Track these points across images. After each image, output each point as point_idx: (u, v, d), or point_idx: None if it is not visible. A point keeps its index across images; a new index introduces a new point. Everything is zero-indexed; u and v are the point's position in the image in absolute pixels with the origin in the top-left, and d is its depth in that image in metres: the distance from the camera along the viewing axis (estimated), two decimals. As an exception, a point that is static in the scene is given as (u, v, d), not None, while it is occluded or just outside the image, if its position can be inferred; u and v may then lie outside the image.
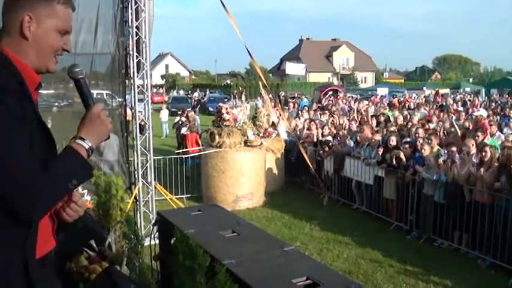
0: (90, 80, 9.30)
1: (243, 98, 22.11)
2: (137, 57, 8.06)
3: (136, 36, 7.97)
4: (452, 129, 10.65)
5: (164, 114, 23.99)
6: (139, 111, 8.57)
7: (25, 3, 1.74)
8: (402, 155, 8.87)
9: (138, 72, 8.14)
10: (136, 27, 7.97)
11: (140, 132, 8.63)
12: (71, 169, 1.73)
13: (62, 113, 9.51)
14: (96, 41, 8.41)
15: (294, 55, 71.75)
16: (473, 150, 7.99)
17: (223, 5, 8.07)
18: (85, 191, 6.02)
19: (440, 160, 8.15)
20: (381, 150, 9.42)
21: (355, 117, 14.52)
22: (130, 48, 8.06)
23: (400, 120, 12.86)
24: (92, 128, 1.84)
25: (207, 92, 47.53)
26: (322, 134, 11.97)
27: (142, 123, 8.74)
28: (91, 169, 1.79)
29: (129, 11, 7.92)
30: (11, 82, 1.66)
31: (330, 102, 24.82)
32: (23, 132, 1.63)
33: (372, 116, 14.29)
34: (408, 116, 14.11)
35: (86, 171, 1.79)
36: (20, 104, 1.64)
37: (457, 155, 8.07)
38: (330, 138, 11.61)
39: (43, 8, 1.77)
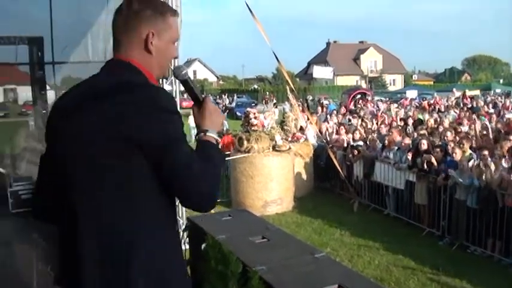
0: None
1: (273, 102, 22.08)
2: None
3: (164, 43, 8.05)
4: (484, 132, 10.46)
5: (192, 119, 24.20)
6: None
7: (148, 20, 1.86)
8: (433, 159, 8.74)
9: (166, 79, 8.22)
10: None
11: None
12: (219, 158, 1.90)
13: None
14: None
15: (321, 58, 71.46)
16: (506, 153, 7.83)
17: (250, 11, 8.09)
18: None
19: (472, 163, 8.00)
20: (410, 155, 9.30)
21: (385, 121, 14.38)
22: (159, 55, 8.15)
23: (431, 123, 12.68)
24: (212, 119, 1.99)
25: (235, 97, 47.69)
26: (354, 138, 11.89)
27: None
28: (224, 155, 1.91)
29: (158, 19, 8.02)
30: (175, 101, 1.86)
31: (359, 105, 24.60)
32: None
33: (401, 119, 14.13)
34: (438, 119, 13.91)
35: (225, 158, 1.92)
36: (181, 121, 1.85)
37: (489, 158, 7.91)
38: (360, 142, 11.52)
39: (161, 23, 1.89)
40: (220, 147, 2.00)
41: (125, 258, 1.72)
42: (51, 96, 8.98)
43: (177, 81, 8.41)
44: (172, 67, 2.06)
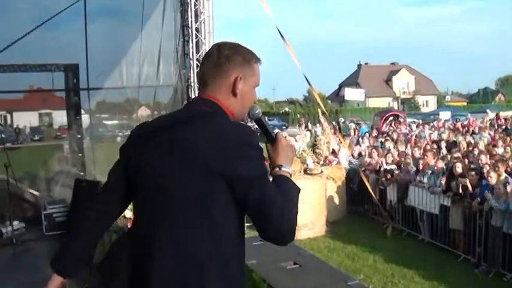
0: (154, 110, 9.61)
1: (303, 125, 22.00)
2: (198, 88, 8.24)
3: (197, 68, 8.16)
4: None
5: None
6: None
7: (237, 65, 2.01)
8: (468, 183, 8.52)
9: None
10: (197, 59, 8.17)
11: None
12: (294, 193, 1.99)
13: (126, 142, 9.83)
14: (159, 73, 8.70)
15: (352, 80, 71.24)
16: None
17: (281, 34, 8.15)
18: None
19: (509, 188, 7.77)
20: (445, 178, 9.10)
21: (418, 143, 14.15)
22: (192, 80, 8.25)
23: (463, 146, 12.43)
24: (285, 154, 2.09)
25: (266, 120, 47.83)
26: (387, 162, 11.73)
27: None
28: (299, 189, 2.03)
29: (190, 44, 8.15)
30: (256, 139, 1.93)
31: (391, 128, 24.31)
32: None
33: (433, 142, 13.91)
34: (472, 141, 13.61)
35: (299, 191, 2.02)
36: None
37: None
38: (393, 166, 11.36)
39: (247, 69, 2.04)
40: None
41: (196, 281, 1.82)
42: (85, 120, 9.18)
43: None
44: None
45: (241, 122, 2.09)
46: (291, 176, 2.04)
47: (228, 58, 1.99)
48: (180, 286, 1.82)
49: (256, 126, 2.20)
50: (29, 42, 7.45)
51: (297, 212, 1.92)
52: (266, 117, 2.23)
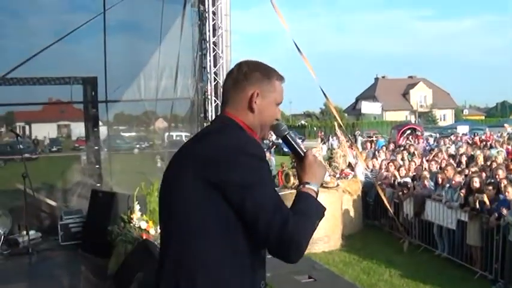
0: (171, 122, 9.69)
1: (320, 139, 21.97)
2: (215, 101, 8.28)
3: (214, 81, 8.22)
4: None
5: None
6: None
7: (255, 81, 2.05)
8: (486, 198, 8.42)
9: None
10: (215, 73, 8.23)
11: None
12: (314, 210, 1.95)
13: (143, 154, 9.90)
14: (177, 86, 8.77)
15: (369, 94, 71.04)
16: None
17: (298, 48, 8.18)
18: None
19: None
20: (463, 193, 9.01)
21: (436, 157, 14.03)
22: (209, 93, 8.31)
23: (481, 160, 12.29)
24: (313, 172, 2.05)
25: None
26: (401, 175, 11.65)
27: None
28: (325, 208, 1.99)
29: (208, 58, 8.21)
30: (262, 150, 1.97)
31: (408, 141, 24.15)
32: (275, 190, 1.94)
33: (450, 156, 13.80)
34: (489, 155, 13.46)
35: (322, 210, 1.99)
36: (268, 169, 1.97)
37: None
38: (408, 179, 11.27)
39: (266, 85, 2.06)
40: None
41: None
42: (103, 132, 9.27)
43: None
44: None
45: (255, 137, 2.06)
46: (317, 195, 2.00)
47: (246, 75, 2.05)
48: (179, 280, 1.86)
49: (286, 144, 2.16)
50: (49, 55, 7.58)
51: (311, 230, 1.88)
52: (294, 134, 2.21)
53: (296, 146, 2.12)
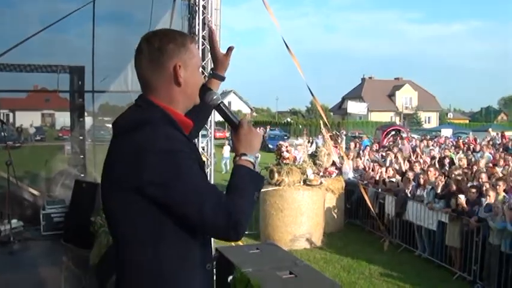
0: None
1: (304, 136, 21.94)
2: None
3: (202, 75, 8.21)
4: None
5: (226, 150, 24.46)
6: (202, 147, 8.73)
7: (172, 54, 1.89)
8: (463, 201, 8.53)
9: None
10: (203, 67, 8.21)
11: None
12: (251, 184, 1.88)
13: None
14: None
15: (355, 94, 71.38)
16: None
17: (286, 45, 8.20)
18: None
19: (506, 207, 7.79)
20: (444, 195, 9.12)
21: (419, 159, 14.17)
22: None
23: (463, 163, 12.45)
24: (248, 141, 1.98)
25: (267, 130, 47.95)
26: (388, 176, 11.75)
27: (205, 159, 8.89)
28: (263, 178, 1.95)
29: (196, 52, 8.21)
30: (182, 137, 1.85)
31: (392, 142, 24.31)
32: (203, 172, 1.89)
33: (433, 158, 13.94)
34: (473, 159, 13.64)
35: (261, 181, 1.95)
36: (194, 153, 1.88)
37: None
38: (393, 179, 11.39)
39: (185, 54, 1.91)
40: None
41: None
42: (88, 122, 9.20)
43: (213, 115, 8.54)
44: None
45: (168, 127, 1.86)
46: (254, 165, 1.94)
47: (161, 49, 1.88)
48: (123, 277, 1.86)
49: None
50: (36, 43, 7.50)
51: (248, 204, 1.83)
52: (225, 102, 2.11)
53: (230, 115, 2.05)
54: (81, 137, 8.93)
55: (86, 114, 9.07)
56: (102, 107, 9.65)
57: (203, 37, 8.13)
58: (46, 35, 7.52)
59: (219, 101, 2.07)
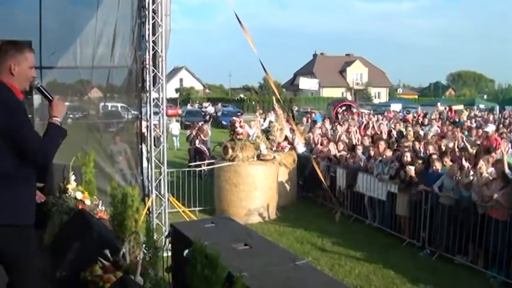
0: (106, 92, 9.46)
1: (258, 112, 22.00)
2: (153, 71, 8.17)
3: (153, 50, 8.09)
4: (468, 146, 10.60)
5: (175, 127, 24.02)
6: (154, 124, 8.67)
7: (10, 55, 3.15)
8: (412, 172, 8.85)
9: (154, 86, 8.25)
10: (153, 41, 8.10)
11: (154, 145, 8.73)
12: (59, 133, 3.24)
13: (77, 124, 9.64)
14: (114, 54, 8.55)
15: (307, 70, 71.87)
16: (485, 167, 7.89)
17: (239, 20, 8.16)
18: (100, 202, 6.12)
19: (453, 175, 8.16)
20: (395, 166, 9.41)
21: (369, 133, 14.51)
22: (147, 62, 8.18)
23: (411, 136, 12.83)
24: (58, 109, 3.30)
25: (219, 106, 47.76)
26: (338, 149, 11.98)
27: (157, 136, 8.83)
28: (66, 131, 3.26)
29: (147, 26, 8.06)
30: (17, 99, 3.17)
31: (344, 117, 24.72)
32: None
33: (382, 131, 14.29)
34: (421, 132, 14.06)
35: (65, 132, 3.26)
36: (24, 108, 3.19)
37: (471, 171, 8.04)
38: (343, 153, 11.63)
39: (20, 56, 3.18)
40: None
41: None
42: (36, 100, 8.94)
43: (164, 89, 8.48)
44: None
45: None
46: (60, 123, 3.24)
47: (6, 52, 3.16)
48: None
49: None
50: (-22, 17, 7.21)
51: (55, 145, 3.17)
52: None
53: (47, 93, 3.32)
54: (29, 115, 8.68)
55: (33, 92, 8.81)
56: (50, 84, 9.37)
57: (153, 11, 8.01)
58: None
59: (39, 84, 3.32)
